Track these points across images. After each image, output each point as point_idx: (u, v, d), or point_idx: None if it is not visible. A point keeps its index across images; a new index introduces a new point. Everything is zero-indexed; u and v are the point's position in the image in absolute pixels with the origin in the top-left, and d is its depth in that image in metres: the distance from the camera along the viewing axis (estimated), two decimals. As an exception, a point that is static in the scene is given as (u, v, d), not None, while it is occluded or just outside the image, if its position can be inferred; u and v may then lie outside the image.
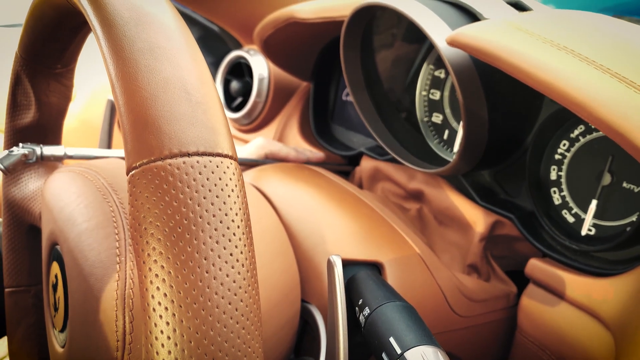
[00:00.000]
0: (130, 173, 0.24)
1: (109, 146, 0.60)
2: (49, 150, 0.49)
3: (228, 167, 0.25)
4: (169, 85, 0.25)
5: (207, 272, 0.23)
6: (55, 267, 0.40)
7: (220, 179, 0.24)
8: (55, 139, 0.53)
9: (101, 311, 0.33)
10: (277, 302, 0.39)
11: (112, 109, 0.58)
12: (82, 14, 0.37)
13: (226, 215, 0.24)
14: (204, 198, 0.23)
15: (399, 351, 0.31)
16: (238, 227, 0.24)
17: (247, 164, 0.61)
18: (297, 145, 0.76)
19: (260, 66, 0.79)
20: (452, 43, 0.40)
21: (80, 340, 0.35)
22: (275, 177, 0.50)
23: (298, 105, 0.79)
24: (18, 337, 0.54)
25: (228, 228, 0.24)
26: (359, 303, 0.37)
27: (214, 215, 0.23)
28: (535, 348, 0.47)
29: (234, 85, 0.81)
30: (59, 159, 0.49)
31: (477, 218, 0.54)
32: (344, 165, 0.71)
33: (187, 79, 0.26)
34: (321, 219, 0.45)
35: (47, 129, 0.51)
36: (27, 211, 0.52)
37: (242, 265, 0.24)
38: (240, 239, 0.24)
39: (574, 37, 0.38)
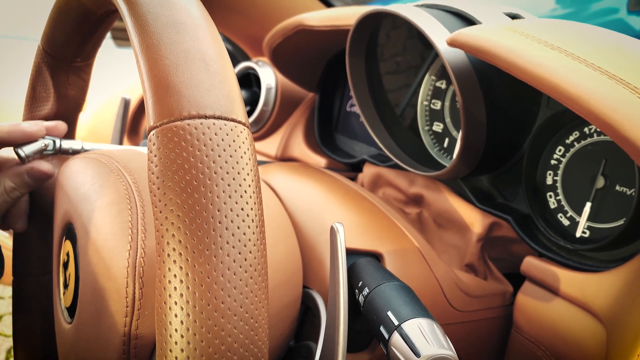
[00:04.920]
0: (152, 132, 0.26)
1: (121, 143, 0.62)
2: (67, 143, 0.50)
3: (241, 132, 0.27)
4: (189, 56, 0.27)
5: (219, 223, 0.24)
6: (67, 246, 0.41)
7: (234, 141, 0.26)
8: (71, 133, 0.55)
9: (112, 280, 0.34)
10: (279, 283, 0.40)
11: (125, 107, 0.60)
12: (106, 5, 0.39)
13: (238, 174, 0.26)
14: (219, 156, 0.25)
15: (396, 323, 0.32)
16: (249, 186, 0.26)
17: None
18: (302, 153, 0.78)
19: (268, 76, 0.82)
20: (452, 43, 0.43)
21: (89, 311, 0.36)
22: (282, 173, 0.52)
23: (303, 115, 0.81)
24: (22, 322, 0.55)
25: (240, 185, 0.26)
26: (359, 285, 0.39)
27: (227, 173, 0.25)
28: (531, 345, 0.48)
29: (242, 94, 0.84)
30: (76, 153, 0.51)
31: (474, 220, 0.55)
32: (347, 172, 0.73)
33: (206, 51, 0.28)
34: (324, 210, 0.47)
35: (64, 121, 0.53)
36: (39, 201, 0.54)
37: (252, 220, 0.26)
38: (250, 197, 0.26)
39: (564, 39, 0.40)
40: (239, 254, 0.25)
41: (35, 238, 0.55)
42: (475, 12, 0.52)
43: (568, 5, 1.58)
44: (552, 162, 0.54)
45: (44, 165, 0.48)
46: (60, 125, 0.50)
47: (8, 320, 1.66)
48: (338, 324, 0.35)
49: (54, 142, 0.50)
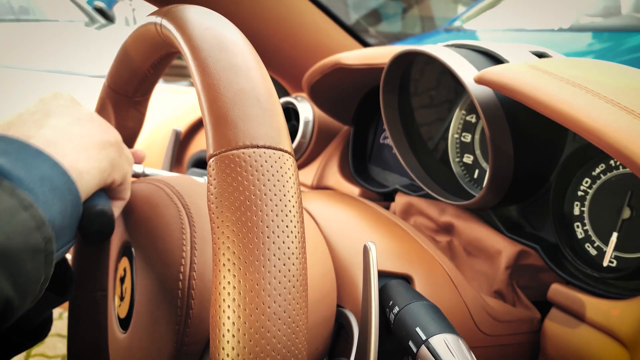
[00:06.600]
0: (211, 159, 0.30)
1: (171, 171, 0.67)
2: None
3: (287, 160, 0.31)
4: (244, 94, 0.31)
5: (267, 237, 0.28)
6: (124, 262, 0.46)
7: (280, 167, 0.30)
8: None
9: (166, 292, 0.38)
10: (316, 300, 0.43)
11: (175, 138, 0.65)
12: (169, 48, 0.44)
13: (284, 196, 0.29)
14: (268, 180, 0.29)
15: (424, 338, 0.35)
16: (293, 206, 0.30)
17: None
18: (337, 182, 0.82)
19: (306, 111, 0.86)
20: (479, 80, 0.46)
21: (143, 320, 0.40)
22: (319, 199, 0.56)
23: (339, 146, 0.85)
24: (77, 337, 0.59)
25: (285, 206, 0.29)
26: (389, 304, 0.42)
27: (275, 195, 0.29)
28: (558, 371, 0.50)
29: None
30: (137, 176, 0.56)
31: (503, 248, 0.57)
32: (379, 201, 0.76)
33: (258, 90, 0.32)
34: (358, 235, 0.50)
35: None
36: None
37: (295, 236, 0.29)
38: (294, 216, 0.30)
39: (586, 76, 0.43)
40: (284, 265, 0.28)
41: (92, 256, 0.60)
42: (502, 51, 0.55)
43: (605, 40, 1.60)
44: (579, 193, 0.56)
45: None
46: (140, 152, 0.56)
47: (50, 342, 1.73)
48: (369, 340, 0.37)
49: None
